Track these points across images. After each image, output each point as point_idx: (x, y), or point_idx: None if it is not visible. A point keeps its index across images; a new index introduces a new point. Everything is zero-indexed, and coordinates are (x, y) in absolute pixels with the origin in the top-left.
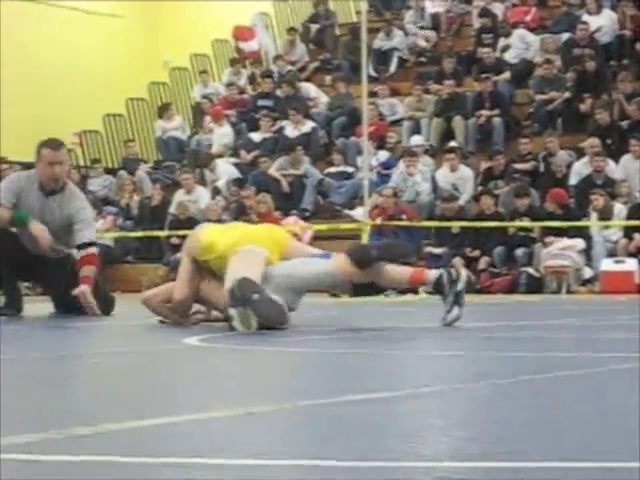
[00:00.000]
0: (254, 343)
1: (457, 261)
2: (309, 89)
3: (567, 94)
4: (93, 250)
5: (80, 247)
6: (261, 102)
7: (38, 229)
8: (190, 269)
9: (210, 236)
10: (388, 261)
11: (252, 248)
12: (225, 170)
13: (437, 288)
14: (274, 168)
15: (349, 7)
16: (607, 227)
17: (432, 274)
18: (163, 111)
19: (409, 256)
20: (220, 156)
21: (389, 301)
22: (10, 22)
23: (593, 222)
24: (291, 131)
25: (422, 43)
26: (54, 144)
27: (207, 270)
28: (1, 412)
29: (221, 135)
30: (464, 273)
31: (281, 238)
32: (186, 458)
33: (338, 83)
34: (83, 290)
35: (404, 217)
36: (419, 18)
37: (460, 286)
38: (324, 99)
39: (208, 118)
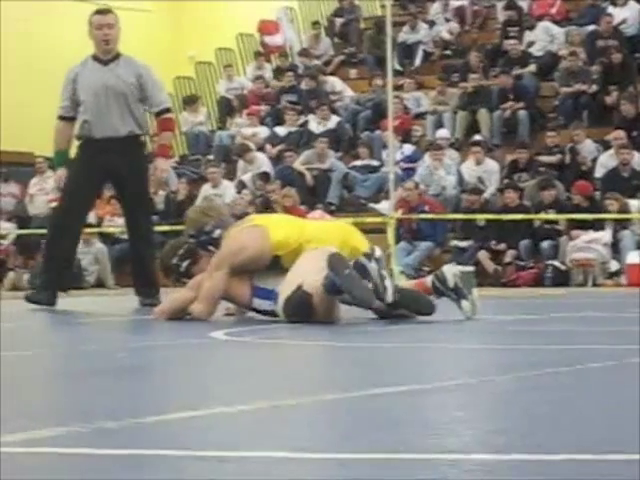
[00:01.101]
0: (280, 337)
1: (482, 254)
2: (334, 83)
3: (594, 87)
4: (171, 115)
5: (158, 114)
6: (286, 97)
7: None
8: (223, 285)
9: (282, 231)
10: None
11: (327, 249)
12: (264, 162)
13: (437, 293)
14: (299, 162)
15: (374, 1)
16: (628, 220)
17: (429, 281)
18: (188, 103)
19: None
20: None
21: None
22: (37, 19)
23: (619, 215)
24: (316, 126)
25: (446, 35)
26: (102, 10)
27: (241, 269)
28: (25, 407)
29: (254, 131)
30: (446, 268)
31: (357, 244)
32: (212, 451)
33: (375, 79)
34: (158, 165)
35: (427, 208)
36: (444, 11)
37: (451, 283)
38: (349, 93)
39: (241, 119)
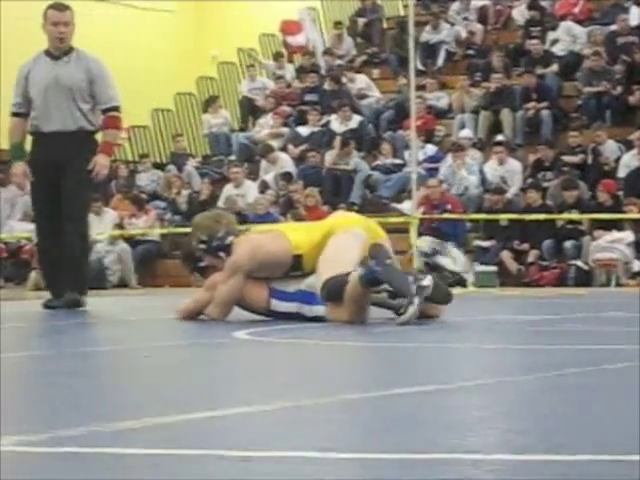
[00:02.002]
0: (302, 336)
1: (505, 254)
2: (363, 81)
3: (617, 87)
4: (118, 114)
5: (105, 110)
6: (308, 97)
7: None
8: (238, 290)
9: (299, 232)
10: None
11: (353, 231)
12: (286, 162)
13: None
14: (329, 162)
15: (396, 0)
16: None
17: None
18: (210, 104)
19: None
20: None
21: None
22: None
23: None
24: (338, 126)
25: (464, 34)
26: (59, 5)
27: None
28: (48, 406)
29: (277, 132)
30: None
31: (378, 230)
32: (235, 451)
33: (398, 79)
34: (98, 161)
35: (449, 207)
36: (465, 10)
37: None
38: (375, 92)
39: (267, 120)
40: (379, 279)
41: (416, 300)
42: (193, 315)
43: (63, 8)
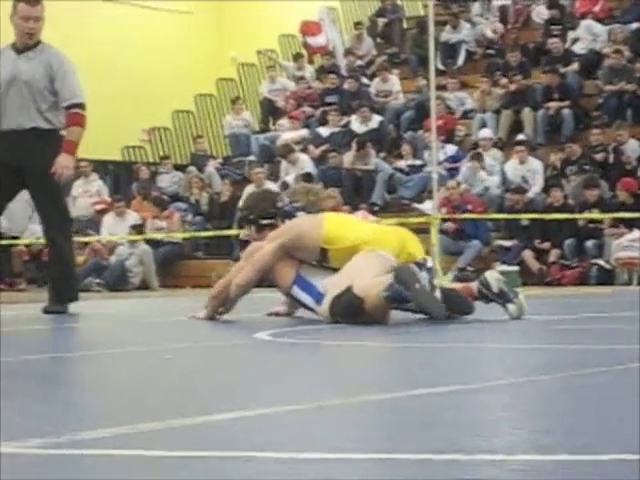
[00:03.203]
0: (324, 337)
1: (527, 254)
2: (394, 82)
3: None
4: (80, 111)
5: (67, 107)
6: (331, 98)
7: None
8: (272, 257)
9: (338, 227)
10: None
11: (381, 253)
12: (306, 162)
13: (484, 299)
14: (348, 163)
15: (416, 0)
16: None
17: (474, 287)
18: (232, 106)
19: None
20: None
21: None
22: (79, 20)
23: None
24: (358, 126)
25: (489, 34)
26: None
27: (291, 255)
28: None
29: (297, 133)
30: (489, 274)
31: (414, 250)
32: (257, 452)
33: (418, 79)
34: (59, 161)
35: (469, 207)
36: (486, 10)
37: (495, 288)
38: (400, 94)
39: (283, 121)
40: (405, 299)
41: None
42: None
43: (35, 3)
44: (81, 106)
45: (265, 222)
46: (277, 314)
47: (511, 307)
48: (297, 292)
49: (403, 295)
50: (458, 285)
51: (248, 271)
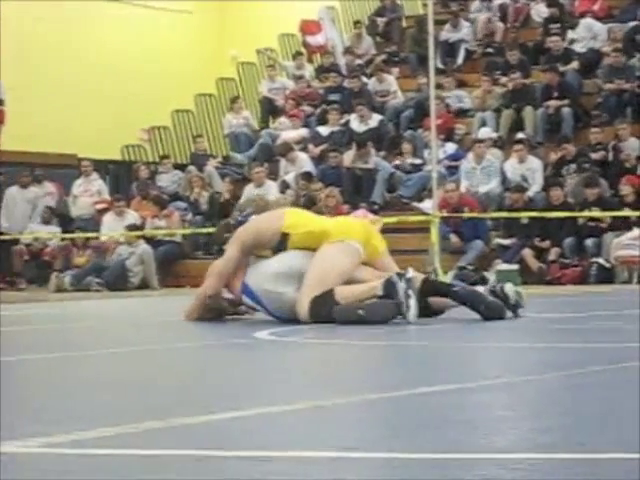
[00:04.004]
0: (325, 336)
1: (526, 252)
2: (391, 82)
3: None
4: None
5: None
6: (331, 96)
7: None
8: (233, 262)
9: (300, 216)
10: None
11: (349, 243)
12: (306, 162)
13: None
14: (348, 162)
15: None
16: None
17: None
18: (232, 104)
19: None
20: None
21: None
22: (79, 21)
23: None
24: (358, 125)
25: (488, 33)
26: None
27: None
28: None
29: (297, 133)
30: (508, 287)
31: (377, 244)
32: (258, 451)
33: (418, 77)
34: None
35: (466, 209)
36: (486, 9)
37: (512, 300)
38: (399, 92)
39: (283, 119)
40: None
41: (411, 303)
42: (203, 307)
43: None
44: (1, 102)
45: None
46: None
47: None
48: (246, 300)
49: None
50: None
51: (214, 280)
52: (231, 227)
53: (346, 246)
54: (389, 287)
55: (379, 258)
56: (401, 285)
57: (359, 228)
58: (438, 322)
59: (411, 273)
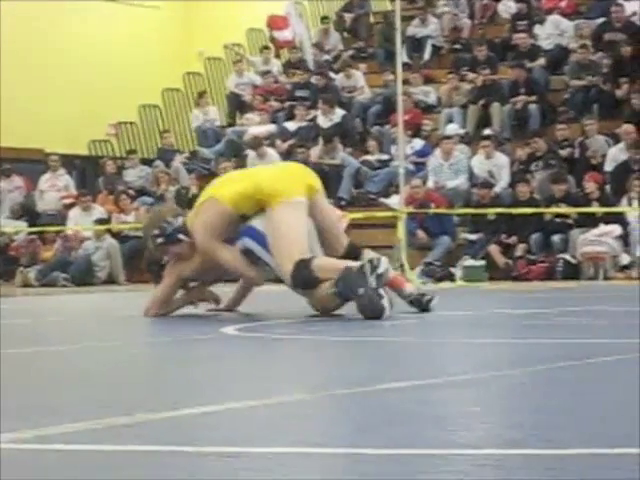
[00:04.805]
0: (293, 332)
1: (493, 248)
2: (358, 78)
3: (604, 80)
4: None
5: None
6: (298, 92)
7: None
8: (172, 290)
9: (225, 190)
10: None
11: (293, 201)
12: (274, 157)
13: (412, 304)
14: (314, 157)
15: None
16: None
17: (409, 288)
18: (199, 100)
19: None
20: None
21: (425, 289)
22: (45, 15)
23: (630, 208)
24: (323, 120)
25: (454, 28)
26: None
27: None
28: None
29: (265, 128)
30: (384, 259)
31: (313, 183)
32: (224, 447)
33: (385, 73)
34: None
35: (432, 205)
36: (453, 5)
37: (381, 269)
38: (366, 88)
39: (252, 114)
40: (349, 298)
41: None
42: (161, 303)
43: None
44: None
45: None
46: (217, 310)
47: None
48: (249, 243)
49: (348, 296)
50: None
51: (155, 305)
52: (163, 248)
53: (291, 206)
54: (359, 274)
55: (316, 196)
56: (371, 280)
57: (297, 179)
58: (403, 317)
59: (384, 265)
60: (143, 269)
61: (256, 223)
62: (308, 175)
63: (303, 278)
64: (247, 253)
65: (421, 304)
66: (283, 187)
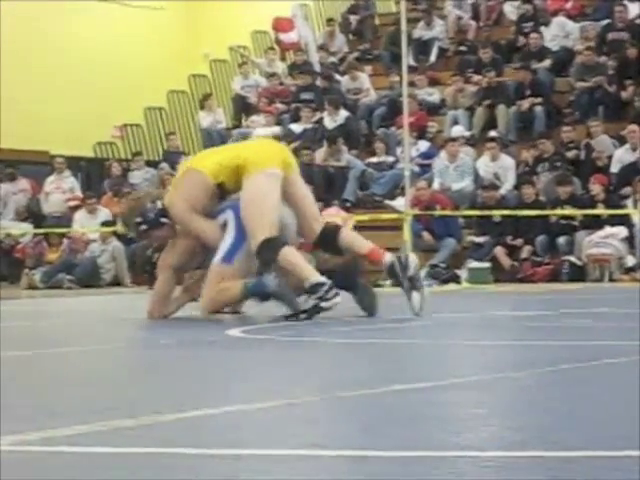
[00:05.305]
0: (297, 334)
1: (499, 250)
2: (363, 80)
3: (609, 81)
4: None
5: None
6: (303, 94)
7: None
8: (208, 225)
9: (206, 161)
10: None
11: (269, 171)
12: None
13: (391, 275)
14: (320, 159)
15: None
16: None
17: (388, 258)
18: (204, 102)
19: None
20: None
21: (431, 291)
22: (50, 17)
23: (636, 210)
24: (329, 122)
25: (460, 30)
26: None
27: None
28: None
29: (270, 130)
30: (413, 257)
31: (290, 160)
32: (229, 449)
33: (391, 75)
34: None
35: (438, 207)
36: (458, 7)
37: (412, 271)
38: (371, 90)
39: (257, 116)
40: (267, 293)
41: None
42: (167, 300)
43: None
44: None
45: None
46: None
47: (415, 296)
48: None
49: (266, 290)
50: (364, 243)
51: (157, 304)
52: (148, 234)
53: (266, 176)
54: (392, 270)
55: (292, 173)
56: (404, 282)
57: (274, 152)
58: (410, 319)
59: (412, 264)
60: (137, 272)
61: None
62: (284, 151)
63: (265, 258)
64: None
65: (398, 274)
66: (260, 157)
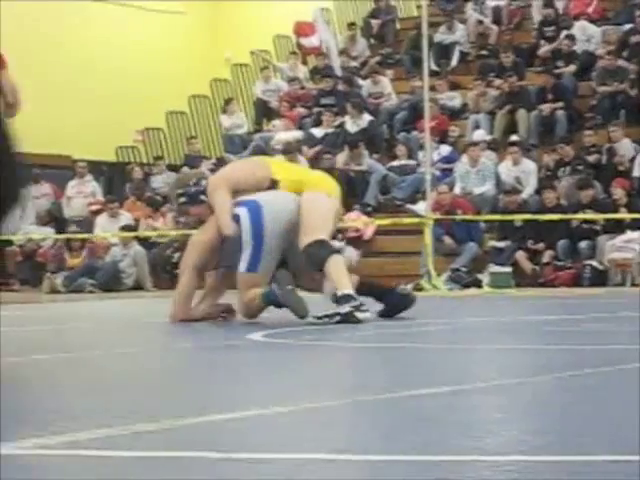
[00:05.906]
0: (318, 338)
1: (520, 255)
2: (384, 84)
3: (631, 86)
4: None
5: None
6: (325, 98)
7: None
8: (227, 202)
9: (280, 166)
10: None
11: (332, 199)
12: (302, 163)
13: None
14: (341, 163)
15: (410, 1)
16: None
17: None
18: (226, 106)
19: None
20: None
21: (452, 295)
22: (73, 22)
23: None
24: (351, 126)
25: (481, 34)
26: None
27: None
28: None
29: (291, 135)
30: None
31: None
32: (250, 453)
33: (412, 80)
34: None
35: (459, 212)
36: (478, 11)
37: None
38: (393, 94)
39: (278, 121)
40: (279, 302)
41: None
42: (185, 307)
43: None
44: None
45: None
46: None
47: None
48: (243, 214)
49: (277, 297)
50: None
51: (180, 306)
52: (186, 207)
53: (330, 201)
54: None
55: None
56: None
57: (335, 186)
58: (431, 324)
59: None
60: (159, 274)
61: (259, 197)
62: (336, 188)
63: (315, 257)
64: (234, 220)
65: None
66: (325, 183)
